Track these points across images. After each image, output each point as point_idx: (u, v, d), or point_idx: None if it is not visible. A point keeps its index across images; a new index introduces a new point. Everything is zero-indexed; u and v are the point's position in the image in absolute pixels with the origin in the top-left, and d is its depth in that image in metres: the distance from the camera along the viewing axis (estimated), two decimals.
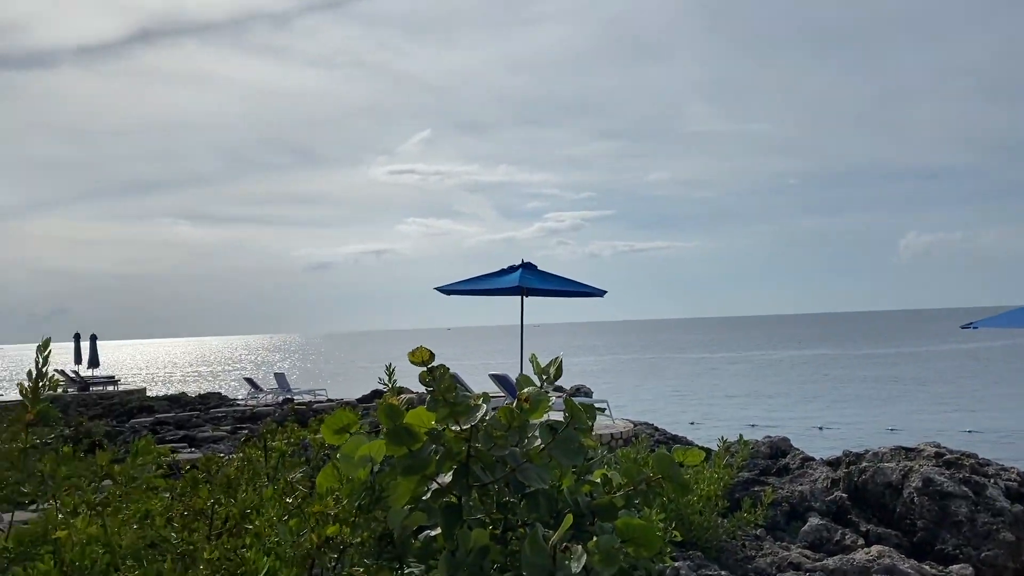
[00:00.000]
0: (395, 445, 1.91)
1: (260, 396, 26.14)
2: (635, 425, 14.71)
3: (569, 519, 1.72)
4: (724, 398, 35.82)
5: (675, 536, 2.63)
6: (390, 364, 2.60)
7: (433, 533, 1.95)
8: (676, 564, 6.04)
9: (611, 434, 13.18)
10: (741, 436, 7.78)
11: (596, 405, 2.00)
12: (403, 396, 2.08)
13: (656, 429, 15.31)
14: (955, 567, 7.14)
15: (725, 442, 7.65)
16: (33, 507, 2.12)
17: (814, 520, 7.90)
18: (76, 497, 1.99)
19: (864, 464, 9.04)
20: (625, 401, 27.45)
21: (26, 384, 1.94)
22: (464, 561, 1.79)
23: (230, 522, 2.03)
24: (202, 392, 29.72)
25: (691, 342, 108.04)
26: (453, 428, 1.92)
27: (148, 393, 29.83)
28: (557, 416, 2.02)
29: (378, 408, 1.94)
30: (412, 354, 1.94)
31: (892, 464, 8.81)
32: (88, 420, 17.74)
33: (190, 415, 21.13)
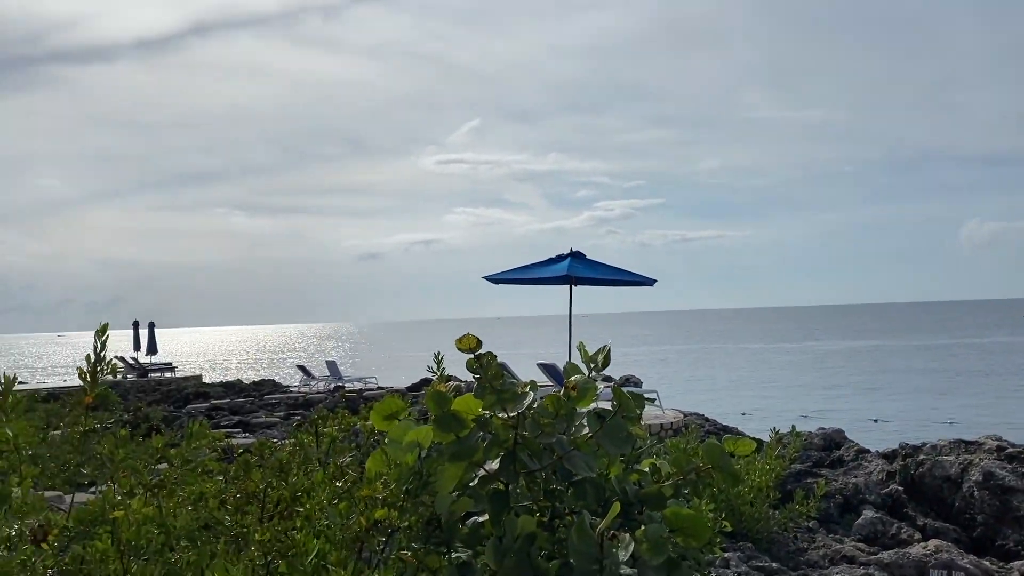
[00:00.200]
0: (443, 431, 1.92)
1: (312, 383, 26.56)
2: (685, 415, 14.57)
3: (616, 507, 1.71)
4: (777, 389, 35.26)
5: (725, 527, 2.60)
6: (438, 352, 2.61)
7: (480, 519, 1.96)
8: (726, 555, 5.98)
9: (660, 424, 13.08)
10: (794, 427, 7.66)
11: (646, 395, 1.98)
12: (451, 383, 2.09)
13: (707, 420, 15.14)
14: (1017, 563, 6.94)
15: (777, 433, 7.54)
16: (92, 488, 2.18)
17: (868, 513, 7.75)
18: (133, 479, 2.04)
19: (921, 457, 8.84)
20: (675, 391, 27.19)
21: (85, 368, 1.99)
22: (511, 547, 1.79)
23: (281, 505, 2.07)
24: (256, 379, 30.32)
25: (744, 332, 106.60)
26: (500, 415, 1.92)
27: (204, 380, 30.47)
28: (605, 405, 2.00)
29: (426, 395, 1.95)
30: (460, 341, 1.94)
31: (951, 457, 8.60)
32: (146, 406, 18.22)
33: (244, 401, 21.56)
